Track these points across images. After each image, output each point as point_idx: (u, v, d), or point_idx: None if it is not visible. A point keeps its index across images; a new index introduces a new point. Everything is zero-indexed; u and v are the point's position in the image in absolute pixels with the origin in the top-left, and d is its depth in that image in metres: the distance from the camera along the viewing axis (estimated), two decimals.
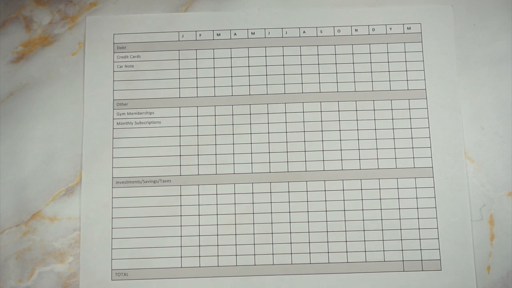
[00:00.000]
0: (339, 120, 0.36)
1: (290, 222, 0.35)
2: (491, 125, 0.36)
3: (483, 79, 0.37)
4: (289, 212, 0.35)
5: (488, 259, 0.34)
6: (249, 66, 0.37)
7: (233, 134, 0.36)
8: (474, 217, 0.35)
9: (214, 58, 0.37)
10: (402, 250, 0.34)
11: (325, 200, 0.35)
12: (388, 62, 0.37)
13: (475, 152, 0.36)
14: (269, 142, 0.36)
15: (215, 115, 0.36)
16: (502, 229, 0.35)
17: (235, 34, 0.38)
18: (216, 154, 0.36)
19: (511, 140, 0.36)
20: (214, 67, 0.37)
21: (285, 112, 0.36)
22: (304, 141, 0.36)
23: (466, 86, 0.37)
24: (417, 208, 0.35)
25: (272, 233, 0.35)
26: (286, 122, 0.36)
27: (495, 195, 0.35)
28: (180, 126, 0.36)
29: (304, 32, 0.37)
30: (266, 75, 0.37)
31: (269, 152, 0.36)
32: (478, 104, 0.36)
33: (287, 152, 0.36)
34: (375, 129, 0.36)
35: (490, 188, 0.35)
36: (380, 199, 0.35)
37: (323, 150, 0.36)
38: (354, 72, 0.37)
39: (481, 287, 0.34)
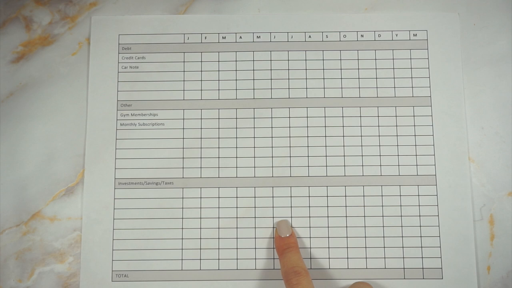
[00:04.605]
0: (343, 126, 0.36)
1: (291, 227, 0.35)
2: (491, 125, 0.36)
3: (483, 79, 0.37)
4: (291, 217, 0.35)
5: (488, 259, 0.35)
6: (253, 70, 0.37)
7: (236, 137, 0.36)
8: (474, 217, 0.35)
9: (219, 61, 0.37)
10: (403, 257, 0.34)
11: (327, 206, 0.35)
12: (394, 68, 0.37)
13: (475, 152, 0.36)
14: (272, 147, 0.36)
15: (218, 118, 0.36)
16: (502, 229, 0.35)
17: (240, 37, 0.37)
18: (219, 157, 0.36)
19: (511, 140, 0.36)
20: (219, 70, 0.37)
21: (289, 117, 0.36)
22: (308, 146, 0.36)
23: (466, 86, 0.37)
24: (419, 216, 0.35)
25: (273, 237, 0.35)
26: (289, 127, 0.36)
27: (495, 195, 0.35)
28: (183, 129, 0.36)
29: (310, 36, 0.37)
30: (271, 79, 0.37)
31: (272, 157, 0.36)
32: (478, 104, 0.36)
33: (290, 157, 0.36)
34: (379, 135, 0.36)
35: (490, 188, 0.36)
36: (382, 206, 0.35)
37: (326, 156, 0.36)
38: (359, 78, 0.37)
39: (481, 287, 0.34)
